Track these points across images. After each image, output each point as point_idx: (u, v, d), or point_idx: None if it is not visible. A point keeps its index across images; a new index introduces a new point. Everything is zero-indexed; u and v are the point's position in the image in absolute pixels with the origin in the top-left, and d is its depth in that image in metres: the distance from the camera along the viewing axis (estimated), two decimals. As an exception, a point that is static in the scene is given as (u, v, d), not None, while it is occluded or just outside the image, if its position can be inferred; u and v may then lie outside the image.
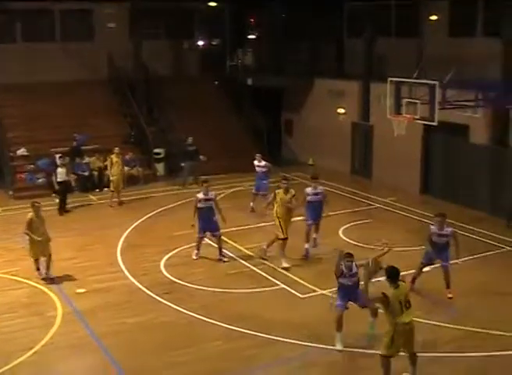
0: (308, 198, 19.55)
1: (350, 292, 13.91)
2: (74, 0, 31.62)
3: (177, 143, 30.15)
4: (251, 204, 23.96)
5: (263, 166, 24.34)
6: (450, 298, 16.33)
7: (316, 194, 19.58)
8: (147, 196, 26.29)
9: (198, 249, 19.22)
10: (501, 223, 22.17)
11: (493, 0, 26.11)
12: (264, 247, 19.10)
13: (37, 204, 17.97)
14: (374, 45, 28.77)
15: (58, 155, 26.93)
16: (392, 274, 12.04)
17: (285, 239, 18.45)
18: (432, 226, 16.51)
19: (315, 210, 19.64)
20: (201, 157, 28.24)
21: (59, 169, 24.51)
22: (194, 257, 19.16)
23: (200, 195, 18.97)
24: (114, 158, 25.22)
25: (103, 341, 14.24)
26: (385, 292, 11.93)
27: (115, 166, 25.14)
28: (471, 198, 24.01)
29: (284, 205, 18.53)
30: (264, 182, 24.22)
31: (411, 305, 12.05)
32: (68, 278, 17.79)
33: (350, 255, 13.94)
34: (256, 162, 24.47)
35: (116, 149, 25.51)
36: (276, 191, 18.90)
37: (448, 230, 16.31)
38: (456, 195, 24.38)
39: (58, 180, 24.42)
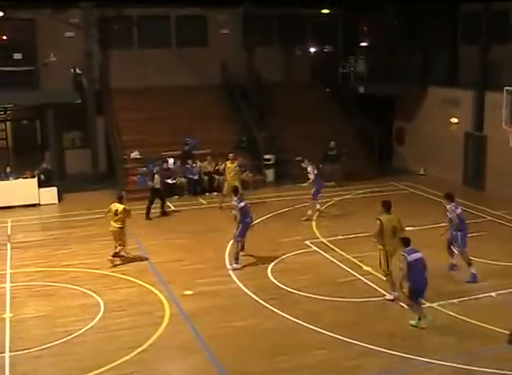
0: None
1: None
2: (189, 6, 32.19)
3: (286, 149, 30.34)
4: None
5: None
6: None
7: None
8: (257, 201, 26.39)
9: None
10: None
11: None
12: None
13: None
14: (489, 52, 28.04)
15: (171, 159, 27.68)
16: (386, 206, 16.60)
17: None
18: None
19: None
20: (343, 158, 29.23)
21: (156, 176, 24.90)
22: None
23: None
24: (228, 163, 25.57)
25: (208, 343, 14.41)
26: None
27: (227, 172, 25.47)
28: None
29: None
30: None
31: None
32: (176, 280, 18.08)
33: None
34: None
35: (230, 155, 25.90)
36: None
37: None
38: None
39: (156, 186, 24.85)
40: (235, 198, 19.29)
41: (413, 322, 15.08)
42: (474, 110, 28.49)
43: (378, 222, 16.37)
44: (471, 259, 17.84)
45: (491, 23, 27.92)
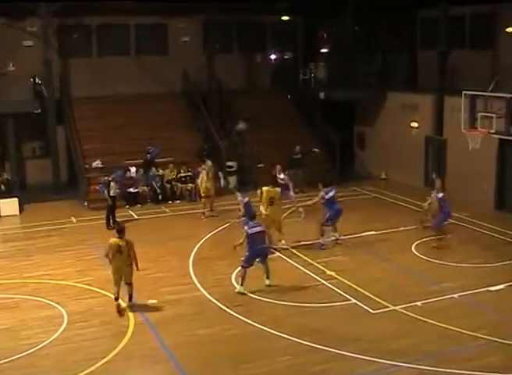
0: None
1: None
2: (149, 15, 32.15)
3: (249, 156, 30.39)
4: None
5: None
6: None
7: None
8: (219, 209, 26.34)
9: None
10: None
11: None
12: None
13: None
14: (448, 58, 28.38)
15: (133, 168, 27.60)
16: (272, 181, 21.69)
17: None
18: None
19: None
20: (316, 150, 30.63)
21: (112, 184, 24.60)
22: None
23: None
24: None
25: (173, 352, 14.35)
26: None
27: (205, 175, 25.79)
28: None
29: None
30: None
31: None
32: (140, 289, 17.96)
33: None
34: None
35: (208, 162, 26.37)
36: None
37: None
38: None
39: (112, 194, 24.56)
40: (239, 194, 22.11)
41: (239, 289, 17.59)
42: (434, 114, 28.80)
43: (259, 191, 21.31)
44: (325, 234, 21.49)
45: (449, 28, 28.25)
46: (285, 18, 35.47)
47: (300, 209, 24.77)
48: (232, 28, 34.31)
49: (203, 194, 25.70)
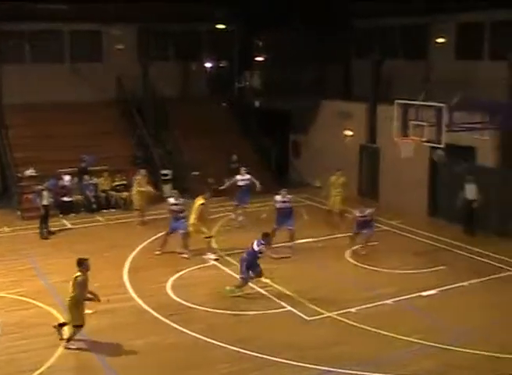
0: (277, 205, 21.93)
1: None
2: (83, 21, 31.83)
3: (184, 165, 30.28)
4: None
5: None
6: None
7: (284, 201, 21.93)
8: (154, 217, 26.18)
9: None
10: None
11: (500, 23, 26.31)
12: None
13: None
14: (381, 67, 28.81)
15: (67, 176, 27.21)
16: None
17: None
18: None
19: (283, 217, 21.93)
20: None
21: (44, 193, 24.17)
22: None
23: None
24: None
25: (109, 363, 14.19)
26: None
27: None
28: (480, 220, 23.84)
29: None
30: None
31: None
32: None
33: None
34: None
35: (142, 171, 26.23)
36: None
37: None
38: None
39: (44, 203, 24.15)
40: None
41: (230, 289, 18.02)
42: (368, 123, 29.17)
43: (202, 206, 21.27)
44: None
45: (383, 38, 28.71)
46: (221, 26, 35.54)
47: (240, 218, 24.89)
48: (167, 36, 34.21)
49: (135, 204, 25.73)
